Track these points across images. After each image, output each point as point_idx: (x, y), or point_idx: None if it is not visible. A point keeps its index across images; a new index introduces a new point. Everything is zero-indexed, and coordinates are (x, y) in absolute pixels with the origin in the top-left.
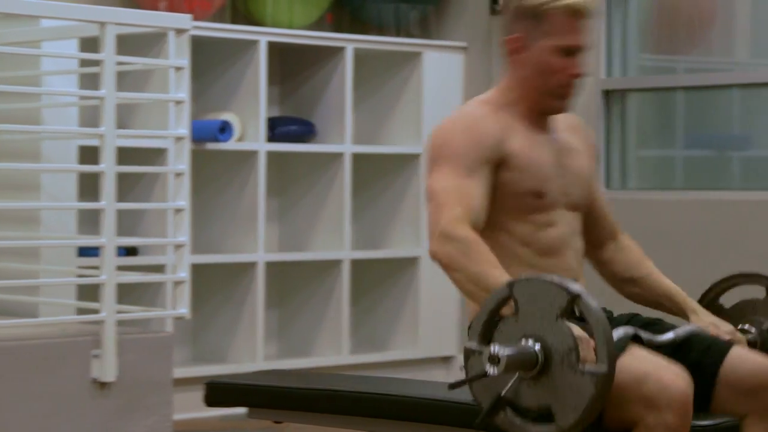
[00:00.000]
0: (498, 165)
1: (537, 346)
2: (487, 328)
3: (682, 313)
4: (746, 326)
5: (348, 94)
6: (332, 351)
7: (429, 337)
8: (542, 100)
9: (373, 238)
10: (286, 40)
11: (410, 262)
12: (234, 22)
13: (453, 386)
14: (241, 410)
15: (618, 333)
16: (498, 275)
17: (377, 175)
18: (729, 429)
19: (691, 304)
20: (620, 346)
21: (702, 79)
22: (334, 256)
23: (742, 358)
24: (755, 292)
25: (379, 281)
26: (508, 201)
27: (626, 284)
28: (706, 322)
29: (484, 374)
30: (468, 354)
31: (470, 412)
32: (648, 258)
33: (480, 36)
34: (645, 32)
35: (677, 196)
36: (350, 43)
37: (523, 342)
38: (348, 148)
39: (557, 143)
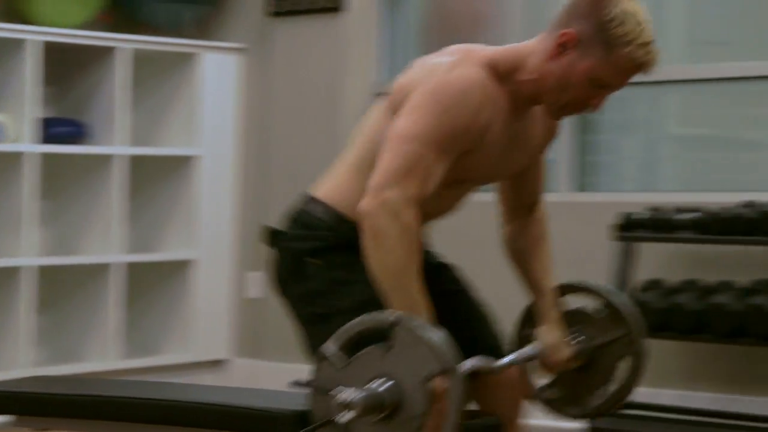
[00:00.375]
0: (463, 153)
1: (391, 394)
2: (352, 343)
3: (539, 318)
4: (576, 336)
5: (122, 95)
6: (103, 356)
7: (201, 341)
8: (546, 100)
9: (147, 241)
10: (58, 39)
11: (183, 265)
12: (8, 21)
13: None
14: (8, 418)
15: (465, 366)
16: (414, 289)
17: (154, 177)
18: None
19: (549, 314)
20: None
21: None
22: (105, 259)
23: (511, 376)
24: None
25: (153, 285)
26: (443, 178)
27: (515, 255)
28: (548, 343)
29: (332, 421)
30: (321, 358)
31: (240, 416)
32: (547, 241)
33: (257, 38)
34: (421, 35)
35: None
36: (125, 43)
37: (379, 383)
38: (121, 149)
39: (520, 135)
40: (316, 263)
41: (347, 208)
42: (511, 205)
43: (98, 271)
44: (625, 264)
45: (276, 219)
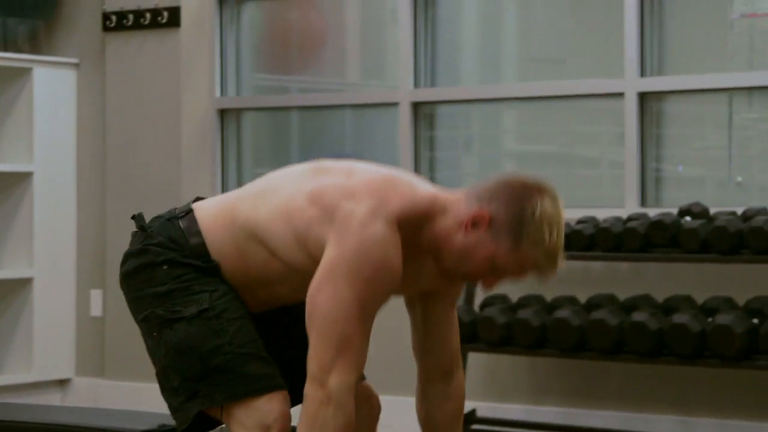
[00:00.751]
0: None
1: None
2: None
3: None
4: None
5: None
6: None
7: (43, 361)
8: (443, 264)
9: None
10: None
11: (23, 283)
12: None
13: None
14: None
15: None
16: None
17: None
18: None
19: None
20: None
21: (315, 99)
22: None
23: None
24: None
25: None
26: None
27: (425, 424)
28: None
29: None
30: None
31: None
32: (460, 419)
33: (92, 52)
34: (258, 52)
35: None
36: None
37: None
38: None
39: (416, 269)
40: (167, 271)
41: (215, 251)
42: (426, 365)
43: None
44: None
45: (116, 236)
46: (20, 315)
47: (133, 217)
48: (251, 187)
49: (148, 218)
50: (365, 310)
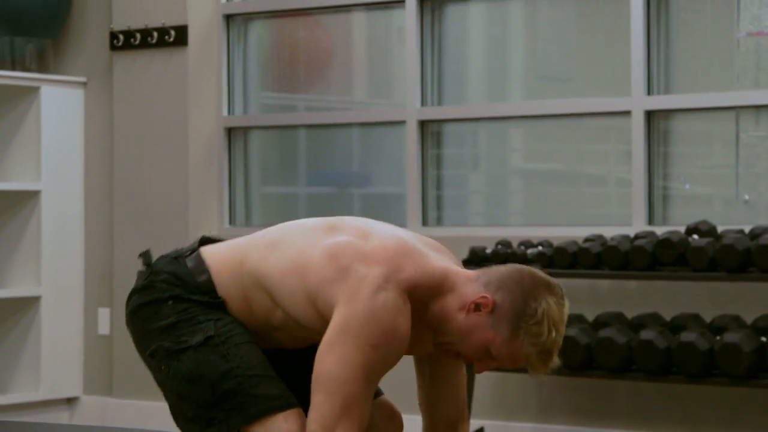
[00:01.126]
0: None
1: None
2: None
3: None
4: None
5: None
6: None
7: (51, 379)
8: (439, 338)
9: None
10: None
11: (31, 302)
12: None
13: None
14: None
15: None
16: None
17: None
18: None
19: None
20: None
21: (322, 117)
22: None
23: (380, 405)
24: None
25: None
26: (304, 331)
27: None
28: None
29: None
30: None
31: None
32: None
33: (100, 71)
34: (265, 70)
35: None
36: None
37: None
38: None
39: (420, 342)
40: (174, 306)
41: (222, 289)
42: (432, 419)
43: None
44: None
45: (123, 254)
46: (28, 333)
47: (140, 255)
48: (263, 236)
49: (158, 244)
50: (372, 374)
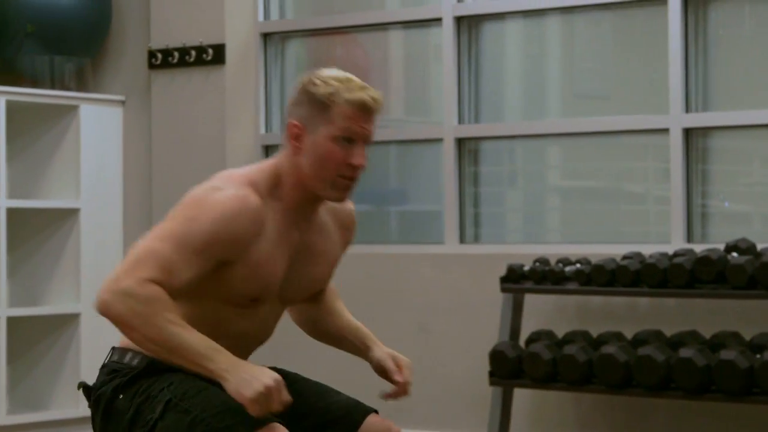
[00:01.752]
0: (228, 263)
1: None
2: None
3: (364, 347)
4: None
5: (1, 147)
6: None
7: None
8: (321, 189)
9: (30, 295)
10: None
11: (70, 319)
12: None
13: None
14: None
15: None
16: (178, 332)
17: (34, 230)
18: None
19: (373, 338)
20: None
21: None
22: None
23: (375, 425)
24: None
25: (37, 338)
26: (218, 290)
27: (317, 324)
28: (383, 354)
29: None
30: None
31: None
32: (340, 299)
33: (138, 90)
34: None
35: None
36: (2, 95)
37: None
38: (2, 202)
39: (303, 244)
40: (123, 399)
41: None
42: (302, 306)
43: None
44: (514, 315)
45: None
46: (68, 350)
47: (79, 387)
48: None
49: None
50: (189, 241)
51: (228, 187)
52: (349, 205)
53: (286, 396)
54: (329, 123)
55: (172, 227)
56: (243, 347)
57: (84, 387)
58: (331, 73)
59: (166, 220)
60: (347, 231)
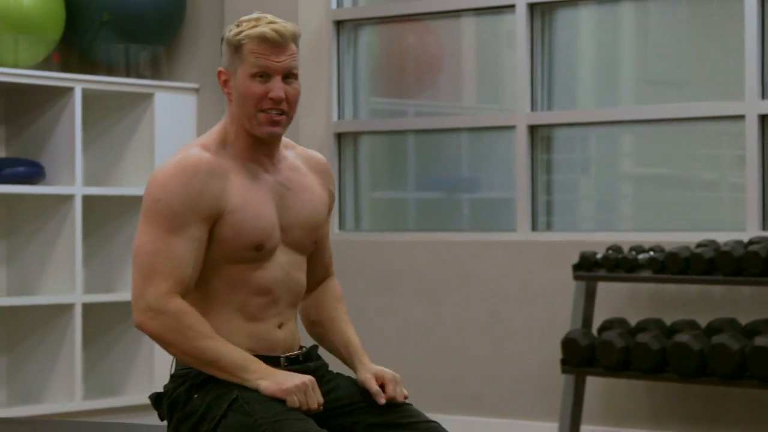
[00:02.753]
0: (215, 221)
1: None
2: None
3: (351, 364)
4: None
5: (77, 135)
6: (64, 397)
7: (164, 380)
8: (251, 128)
9: (105, 282)
10: (12, 79)
11: None
12: None
13: None
14: None
15: None
16: (213, 346)
17: (109, 217)
18: None
19: (360, 356)
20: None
21: (431, 122)
22: (66, 299)
23: None
24: None
25: (112, 325)
26: (225, 252)
27: (314, 326)
28: (370, 372)
29: None
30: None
31: None
32: (343, 302)
33: (212, 77)
34: (375, 76)
35: (409, 238)
36: (79, 83)
37: None
38: (78, 189)
39: (279, 183)
40: (198, 398)
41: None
42: (308, 283)
43: (59, 311)
44: (586, 303)
45: None
46: (142, 336)
47: (151, 398)
48: None
49: None
50: (166, 224)
51: (179, 156)
52: (317, 157)
53: (319, 396)
54: (243, 62)
55: (149, 218)
56: (280, 302)
57: (155, 397)
58: (245, 17)
59: (141, 215)
60: (323, 175)
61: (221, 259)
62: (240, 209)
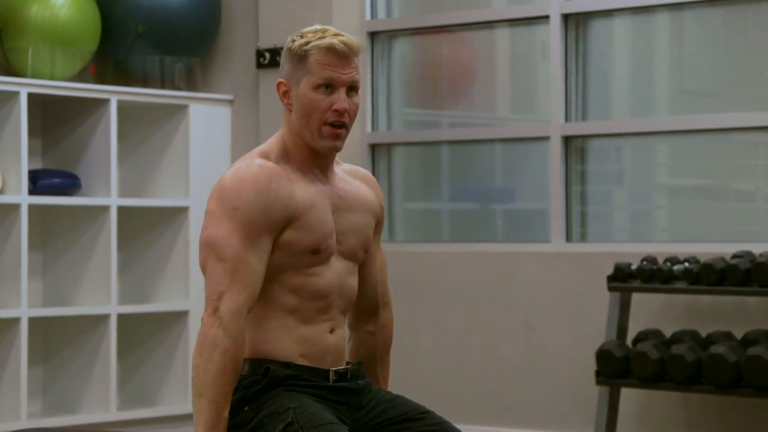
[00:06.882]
0: (283, 228)
1: None
2: None
3: None
4: None
5: (113, 146)
6: (100, 408)
7: None
8: (312, 140)
9: (140, 292)
10: (48, 91)
11: (179, 316)
12: None
13: None
14: None
15: None
16: (209, 404)
17: (144, 228)
18: None
19: None
20: None
21: (465, 133)
22: (101, 310)
23: None
24: None
25: (147, 336)
26: (285, 258)
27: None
28: None
29: None
30: None
31: None
32: (388, 356)
33: (247, 89)
34: (409, 87)
35: (443, 249)
36: (114, 95)
37: None
38: (114, 201)
39: (334, 193)
40: (248, 411)
41: (268, 351)
42: (358, 307)
43: (94, 322)
44: (621, 314)
45: None
46: (177, 347)
47: None
48: None
49: None
50: (245, 234)
51: (246, 164)
52: (365, 172)
53: None
54: (308, 73)
55: (226, 221)
56: (333, 307)
57: None
58: (308, 28)
59: (213, 221)
60: (373, 187)
61: (280, 265)
62: (305, 214)
